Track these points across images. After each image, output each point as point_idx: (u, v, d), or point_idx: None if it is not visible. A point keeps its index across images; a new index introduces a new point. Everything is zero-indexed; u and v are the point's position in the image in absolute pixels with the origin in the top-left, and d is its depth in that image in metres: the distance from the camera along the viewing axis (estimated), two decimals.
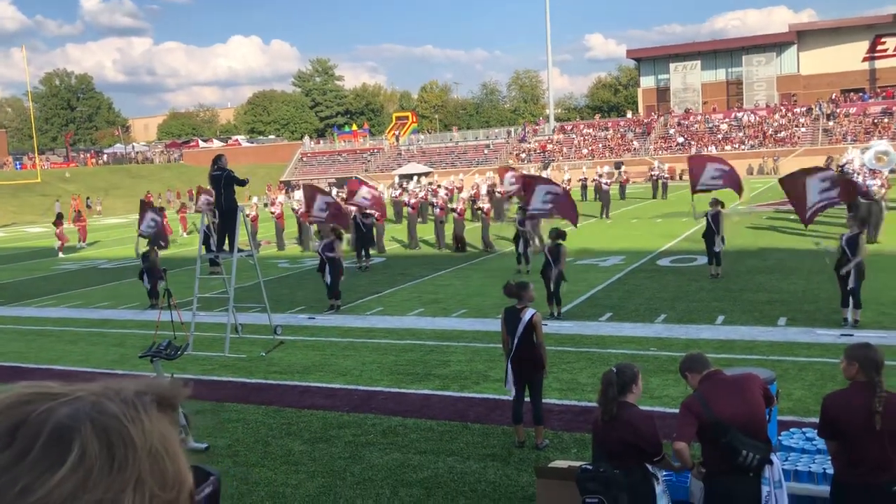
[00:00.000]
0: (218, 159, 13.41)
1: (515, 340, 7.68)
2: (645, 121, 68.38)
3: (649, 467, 4.63)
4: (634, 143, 64.62)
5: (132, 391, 0.90)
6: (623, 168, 49.19)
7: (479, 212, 24.55)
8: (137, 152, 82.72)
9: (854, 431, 4.41)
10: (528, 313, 7.72)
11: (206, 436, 8.71)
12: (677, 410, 8.34)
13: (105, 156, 78.85)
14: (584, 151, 64.76)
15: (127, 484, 0.83)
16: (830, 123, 59.58)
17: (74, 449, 0.83)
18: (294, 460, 7.87)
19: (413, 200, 27.68)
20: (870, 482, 4.39)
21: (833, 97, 64.38)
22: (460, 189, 34.98)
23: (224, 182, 13.05)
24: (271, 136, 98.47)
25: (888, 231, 21.24)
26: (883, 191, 22.65)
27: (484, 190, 29.08)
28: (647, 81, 78.45)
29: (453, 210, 24.86)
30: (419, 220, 27.15)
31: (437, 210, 24.99)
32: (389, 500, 6.81)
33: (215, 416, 9.43)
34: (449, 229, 24.63)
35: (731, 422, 4.52)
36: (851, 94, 66.42)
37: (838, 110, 61.15)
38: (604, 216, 31.37)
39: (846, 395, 4.55)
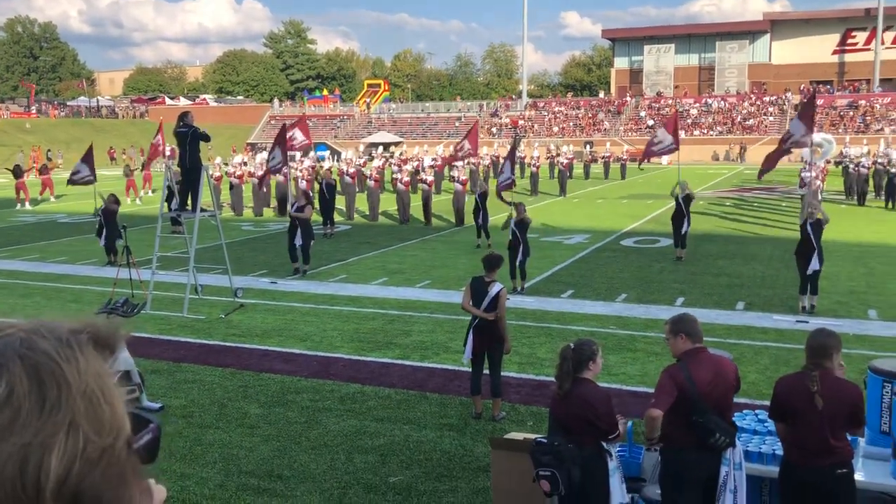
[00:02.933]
0: (184, 116, 13.14)
1: (480, 311, 7.70)
2: (616, 101, 68.57)
3: (603, 443, 4.66)
4: (605, 123, 64.82)
5: (66, 329, 0.84)
6: (591, 148, 49.44)
7: (422, 184, 24.43)
8: (102, 106, 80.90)
9: (799, 414, 4.51)
10: (496, 287, 7.74)
11: (160, 395, 8.61)
12: (635, 388, 8.52)
13: (68, 108, 76.98)
14: (555, 129, 64.81)
15: (59, 427, 0.78)
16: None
17: (1, 386, 0.78)
18: (249, 423, 7.81)
19: (370, 172, 27.29)
20: (815, 464, 4.49)
21: (802, 88, 65.13)
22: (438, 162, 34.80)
23: (189, 139, 12.80)
24: (240, 97, 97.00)
25: (845, 223, 21.64)
26: (818, 182, 23.16)
27: (427, 162, 28.98)
28: (621, 62, 78.55)
29: (423, 181, 24.71)
30: (380, 191, 26.85)
31: (402, 183, 24.72)
32: (344, 466, 6.80)
33: (171, 377, 9.33)
34: (417, 200, 24.51)
35: (707, 400, 4.56)
36: (820, 85, 67.26)
37: (806, 101, 61.83)
38: (561, 194, 31.51)
39: (796, 378, 4.64)
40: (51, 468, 0.77)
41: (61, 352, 0.82)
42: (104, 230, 16.98)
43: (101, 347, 0.87)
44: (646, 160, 16.55)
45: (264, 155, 33.27)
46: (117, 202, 17.60)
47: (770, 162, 15.38)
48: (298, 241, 15.32)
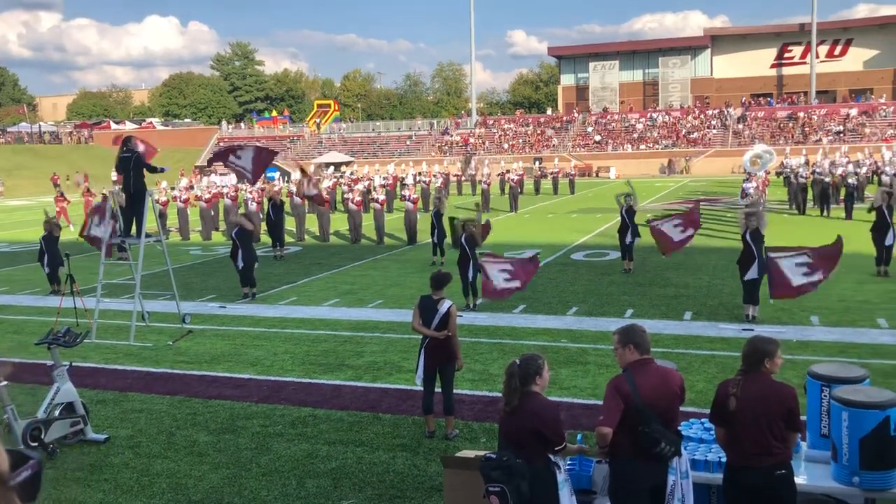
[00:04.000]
0: (127, 141, 12.92)
1: (431, 330, 7.70)
2: (565, 118, 69.50)
3: (552, 457, 4.68)
4: (554, 139, 65.60)
5: None
6: (540, 164, 49.98)
7: (374, 203, 24.44)
8: (45, 132, 79.14)
9: (734, 416, 4.61)
10: (445, 304, 7.75)
11: (106, 426, 8.41)
12: (585, 401, 8.59)
13: (8, 135, 75.13)
14: (505, 146, 65.38)
15: None
16: (740, 126, 61.84)
17: None
18: (198, 451, 7.67)
19: (315, 192, 27.15)
20: (754, 465, 4.58)
21: (743, 101, 66.87)
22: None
23: (133, 164, 12.58)
24: (187, 120, 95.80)
25: (787, 232, 22.19)
26: (759, 192, 23.84)
27: (378, 182, 29.05)
28: (567, 79, 79.73)
29: (374, 200, 24.68)
30: (331, 211, 26.75)
31: (353, 203, 24.65)
32: (296, 492, 6.71)
33: (117, 407, 9.12)
34: (368, 219, 24.48)
35: (652, 410, 4.61)
36: (760, 98, 69.17)
37: (748, 114, 63.55)
38: (513, 210, 31.82)
39: (732, 382, 4.76)
40: None
41: None
42: (45, 256, 16.55)
43: None
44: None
45: (213, 178, 32.95)
46: (59, 226, 17.19)
47: (669, 244, 15.53)
48: (239, 263, 15.12)
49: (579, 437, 6.70)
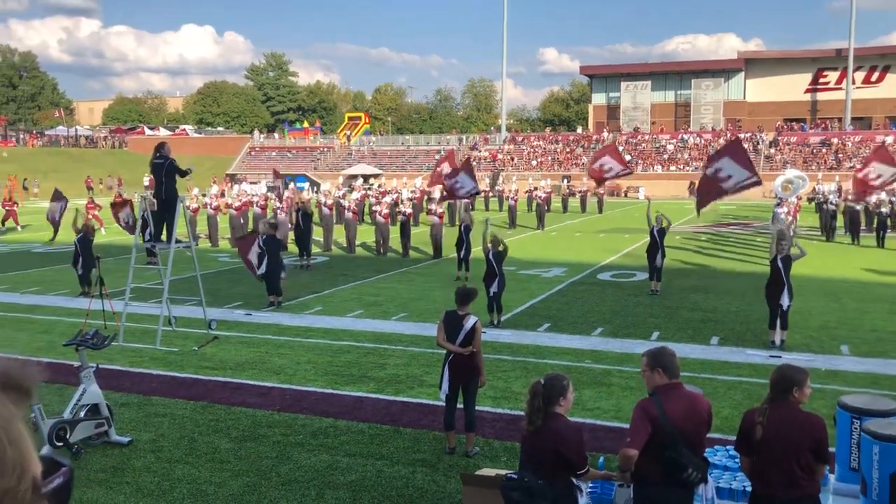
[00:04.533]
0: (161, 147, 13.10)
1: (456, 346, 7.67)
2: (594, 136, 69.35)
3: (574, 479, 4.63)
4: (583, 157, 65.43)
5: None
6: (568, 182, 49.88)
7: (401, 216, 24.48)
8: (81, 136, 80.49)
9: (760, 445, 4.53)
10: (471, 320, 7.72)
11: (129, 429, 8.47)
12: (608, 423, 8.50)
13: (45, 138, 76.50)
14: (534, 163, 65.33)
15: None
16: (772, 151, 61.27)
17: None
18: (220, 458, 7.70)
19: (348, 203, 27.26)
20: (780, 496, 4.49)
21: (778, 126, 66.28)
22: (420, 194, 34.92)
23: (166, 171, 12.74)
24: (220, 128, 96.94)
25: (816, 258, 21.89)
26: (790, 218, 23.56)
27: (405, 195, 29.10)
28: (599, 98, 79.56)
29: (400, 213, 24.74)
30: (358, 223, 26.89)
31: (381, 216, 24.73)
32: (314, 502, 6.70)
33: (141, 410, 9.19)
34: (395, 232, 24.55)
35: (680, 435, 4.55)
36: (793, 123, 68.50)
37: (780, 139, 62.97)
38: (539, 228, 31.73)
39: (760, 410, 4.68)
40: None
41: None
42: (80, 259, 16.80)
43: (10, 389, 0.86)
44: (600, 185, 16.64)
45: (243, 186, 33.28)
46: (93, 231, 17.45)
47: (705, 198, 15.62)
48: (262, 271, 15.14)
49: (601, 459, 6.64)
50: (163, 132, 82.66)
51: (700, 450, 4.75)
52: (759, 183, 14.65)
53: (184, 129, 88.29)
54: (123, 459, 7.68)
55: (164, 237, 13.19)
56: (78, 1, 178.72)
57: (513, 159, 66.72)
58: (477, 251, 19.65)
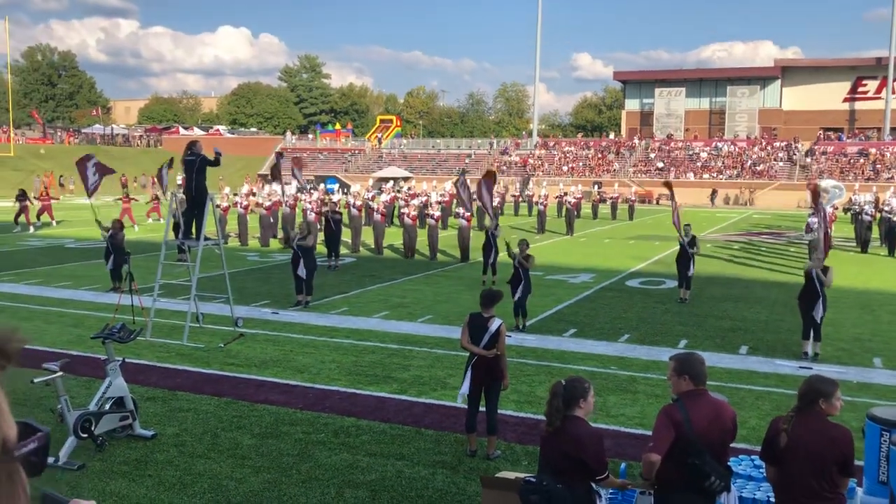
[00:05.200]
0: (192, 144, 13.23)
1: (480, 348, 7.64)
2: (627, 143, 68.90)
3: (593, 485, 4.57)
4: (615, 164, 65.04)
5: None
6: (599, 188, 49.58)
7: (429, 218, 24.48)
8: (117, 134, 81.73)
9: (784, 455, 4.43)
10: (495, 323, 7.68)
11: (154, 423, 8.54)
12: (632, 430, 8.41)
13: (82, 136, 77.79)
14: (565, 168, 65.06)
15: None
16: (808, 160, 60.40)
17: None
18: (241, 454, 7.73)
19: (377, 206, 27.29)
20: None
21: (820, 136, 65.29)
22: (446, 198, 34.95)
23: (197, 168, 12.85)
24: (253, 129, 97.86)
25: (851, 269, 21.51)
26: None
27: (434, 198, 29.08)
28: (632, 104, 79.05)
29: (429, 216, 24.77)
30: (386, 225, 26.98)
31: (409, 218, 24.77)
32: (334, 501, 6.70)
33: (166, 405, 9.27)
34: (423, 235, 24.58)
35: (703, 443, 4.47)
36: (830, 132, 67.47)
37: (817, 148, 62.07)
38: (568, 234, 31.56)
39: (786, 418, 4.58)
40: None
41: None
42: (112, 255, 17.04)
43: None
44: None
45: (274, 186, 33.54)
46: (122, 228, 17.68)
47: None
48: (301, 272, 15.33)
49: (623, 466, 6.56)
50: (197, 132, 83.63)
51: (724, 458, 4.66)
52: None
53: (217, 129, 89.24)
54: (146, 452, 7.75)
55: (193, 234, 13.31)
56: (116, 2, 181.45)
57: (543, 164, 66.51)
58: (504, 256, 19.60)
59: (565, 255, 24.82)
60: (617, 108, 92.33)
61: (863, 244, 26.97)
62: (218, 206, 17.85)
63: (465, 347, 7.86)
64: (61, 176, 57.29)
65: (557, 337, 13.14)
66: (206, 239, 13.21)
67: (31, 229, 30.53)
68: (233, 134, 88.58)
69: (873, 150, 59.65)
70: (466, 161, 69.15)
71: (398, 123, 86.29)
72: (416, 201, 27.34)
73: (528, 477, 4.72)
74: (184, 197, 13.34)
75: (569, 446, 4.51)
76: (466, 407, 7.93)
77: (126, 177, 60.79)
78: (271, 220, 27.68)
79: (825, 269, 11.87)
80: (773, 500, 4.83)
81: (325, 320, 14.28)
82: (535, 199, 38.36)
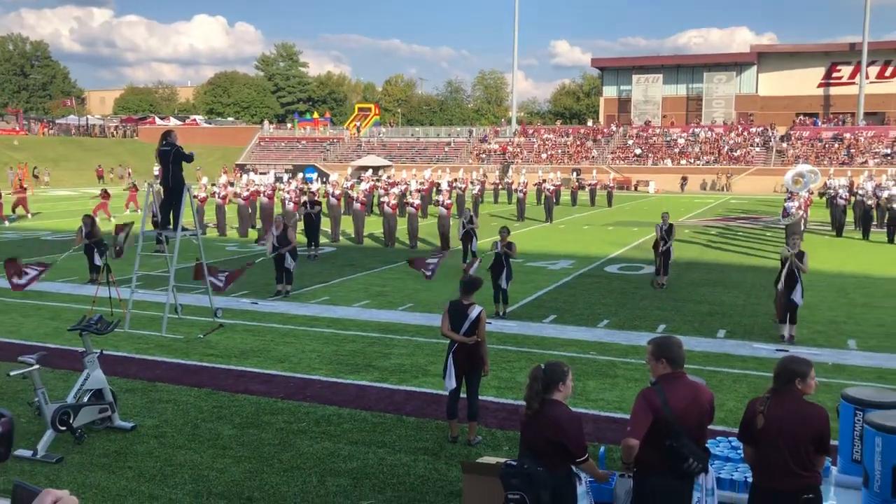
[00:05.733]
0: (167, 135, 13.10)
1: (460, 335, 7.66)
2: (605, 130, 69.11)
3: (573, 467, 4.61)
4: (593, 151, 65.24)
5: None
6: (578, 175, 49.73)
7: (409, 207, 24.46)
8: (92, 125, 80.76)
9: (761, 435, 4.50)
10: (475, 310, 7.71)
11: (133, 415, 8.50)
12: (612, 414, 8.48)
13: (57, 127, 76.80)
14: (544, 156, 65.17)
15: None
16: (784, 145, 60.92)
17: None
18: (222, 444, 7.71)
19: (357, 194, 27.16)
20: (781, 488, 4.46)
21: (795, 121, 65.82)
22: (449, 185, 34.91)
23: (172, 158, 12.74)
24: (230, 119, 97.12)
25: (826, 253, 21.77)
26: (800, 212, 23.43)
27: (413, 186, 29.04)
28: (610, 91, 79.24)
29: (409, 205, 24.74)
30: (366, 214, 26.90)
31: (389, 206, 24.73)
32: (316, 489, 6.71)
33: (145, 396, 9.22)
34: (403, 223, 24.55)
35: (681, 425, 4.52)
36: (805, 117, 68.06)
37: (792, 133, 62.61)
38: (547, 221, 31.66)
39: (762, 399, 4.65)
40: None
41: None
42: (96, 249, 16.87)
43: None
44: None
45: (252, 176, 33.33)
46: (93, 221, 17.51)
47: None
48: (289, 263, 15.25)
49: (602, 449, 6.62)
50: (173, 122, 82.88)
51: (701, 440, 4.72)
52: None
53: (194, 119, 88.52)
54: (126, 444, 7.71)
55: (170, 225, 13.20)
56: None
57: (522, 152, 66.57)
58: (483, 243, 19.66)
59: (545, 241, 24.90)
60: (595, 96, 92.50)
61: (838, 228, 27.30)
62: (195, 196, 17.71)
63: (445, 335, 7.88)
64: (35, 168, 56.58)
65: (538, 323, 13.20)
66: (184, 229, 13.11)
67: (6, 223, 30.13)
68: (210, 124, 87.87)
69: (848, 135, 60.28)
70: (445, 149, 69.07)
71: (377, 112, 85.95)
72: (395, 190, 27.24)
73: (508, 460, 4.76)
74: (160, 188, 13.23)
75: (549, 430, 4.55)
76: (447, 394, 7.96)
77: (102, 168, 60.21)
78: (249, 211, 27.52)
79: (801, 255, 12.01)
80: (750, 480, 4.90)
81: (306, 310, 14.25)
82: (514, 187, 38.42)
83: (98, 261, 16.80)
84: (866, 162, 55.12)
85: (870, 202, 26.50)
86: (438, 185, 33.68)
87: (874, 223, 26.95)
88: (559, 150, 66.09)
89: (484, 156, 66.74)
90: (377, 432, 8.07)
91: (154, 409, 8.78)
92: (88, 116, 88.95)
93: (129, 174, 54.48)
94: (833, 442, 4.77)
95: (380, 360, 10.85)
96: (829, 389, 8.99)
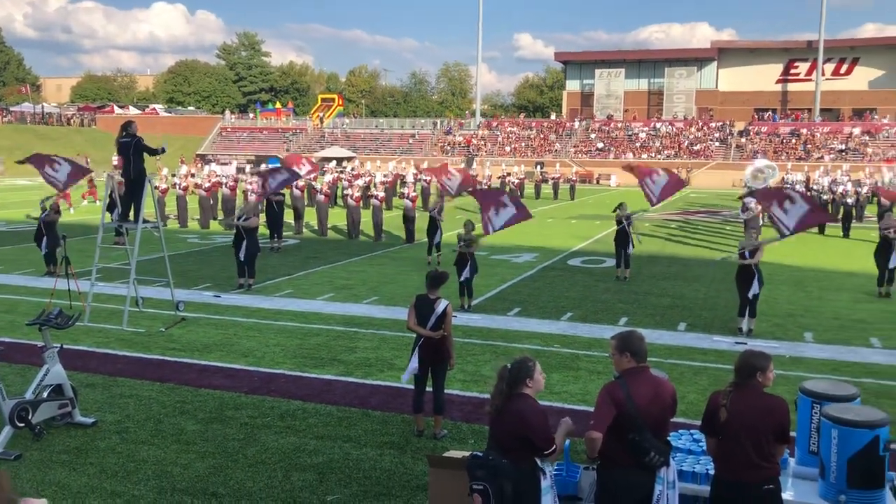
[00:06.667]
0: (128, 125, 12.89)
1: (426, 330, 7.68)
2: (568, 124, 69.53)
3: (538, 461, 4.66)
4: (556, 144, 65.62)
5: None
6: (541, 168, 50.00)
7: (373, 199, 24.41)
8: (49, 113, 78.97)
9: (724, 428, 4.60)
10: (442, 304, 7.73)
11: (94, 410, 8.38)
12: (576, 407, 8.57)
13: (11, 114, 74.95)
14: (507, 149, 65.38)
15: None
16: (743, 140, 61.88)
17: None
18: (186, 439, 7.64)
19: (321, 186, 27.00)
20: (742, 479, 4.57)
21: (753, 116, 66.85)
22: (390, 177, 34.76)
23: (133, 149, 12.55)
24: (191, 108, 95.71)
25: (783, 247, 22.19)
26: (759, 207, 23.89)
27: (378, 178, 28.99)
28: (573, 85, 79.73)
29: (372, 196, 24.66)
30: (330, 206, 26.74)
31: (352, 199, 24.63)
32: (281, 484, 6.68)
33: (106, 391, 9.09)
34: (367, 216, 24.47)
35: (644, 419, 4.59)
36: (764, 112, 69.24)
37: (751, 128, 63.63)
38: None
39: (725, 393, 4.75)
40: None
41: None
42: (45, 239, 16.56)
43: None
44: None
45: (213, 167, 32.92)
46: (58, 211, 17.18)
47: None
48: (242, 255, 15.15)
49: (567, 442, 6.69)
50: (132, 111, 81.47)
51: (664, 433, 4.80)
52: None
53: (154, 108, 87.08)
54: (87, 440, 7.60)
55: (131, 217, 13.01)
56: None
57: (486, 145, 66.71)
58: (448, 237, 19.70)
59: (508, 234, 24.94)
60: (558, 89, 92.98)
61: None
62: (157, 187, 17.37)
63: (411, 329, 7.90)
64: None
65: (502, 316, 13.28)
66: (145, 221, 12.93)
67: None
68: (170, 113, 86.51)
69: (804, 131, 61.46)
70: (410, 141, 68.91)
71: (340, 102, 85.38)
72: (359, 182, 27.14)
73: (475, 452, 4.80)
74: (121, 179, 13.02)
75: (514, 423, 4.60)
76: (413, 387, 7.99)
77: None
78: (211, 202, 27.20)
79: (755, 248, 12.24)
80: (711, 472, 5.00)
81: (269, 303, 14.15)
82: (479, 179, 38.51)
83: (45, 249, 16.53)
84: (822, 157, 56.26)
85: (826, 197, 27.07)
86: (403, 177, 33.63)
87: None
88: (522, 144, 66.37)
89: (448, 148, 66.73)
90: (343, 426, 8.06)
91: (115, 404, 8.67)
92: (44, 104, 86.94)
93: (87, 163, 53.38)
94: (791, 433, 4.89)
95: (345, 353, 10.82)
96: (787, 382, 9.19)
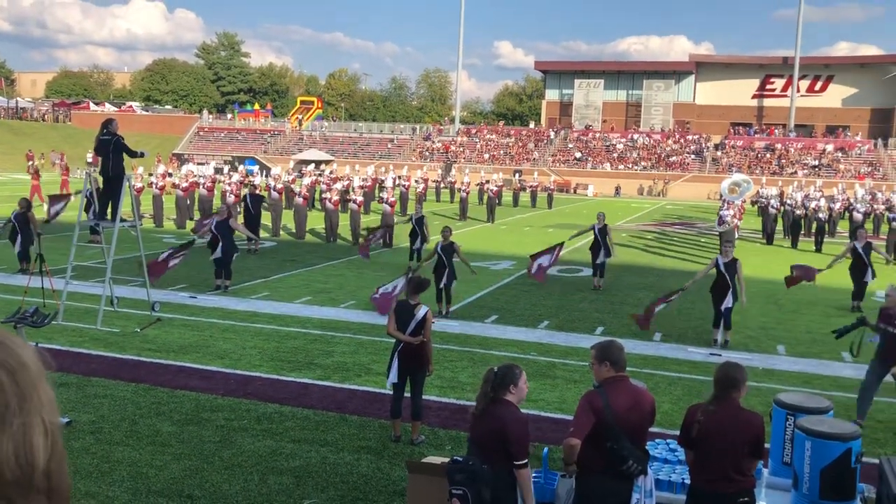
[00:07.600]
0: (108, 123, 12.79)
1: (406, 335, 7.70)
2: (546, 132, 69.90)
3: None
4: (535, 153, 65.93)
5: (14, 337, 1.12)
6: (520, 176, 50.19)
7: (351, 203, 24.38)
8: (22, 108, 77.93)
9: (701, 441, 4.68)
10: (422, 310, 7.76)
11: (68, 410, 8.28)
12: (552, 415, 8.63)
13: None
14: (486, 156, 65.56)
15: (34, 413, 1.06)
16: (719, 153, 62.59)
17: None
18: (161, 441, 7.59)
19: (299, 189, 26.88)
20: (718, 490, 4.64)
21: (730, 130, 67.64)
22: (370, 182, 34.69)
23: (113, 148, 12.45)
24: (168, 107, 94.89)
25: (756, 260, 22.47)
26: (735, 221, 24.22)
27: (357, 183, 28.97)
28: (552, 94, 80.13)
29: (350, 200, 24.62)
30: (308, 209, 26.65)
31: (331, 202, 24.56)
32: (258, 488, 6.67)
33: (80, 391, 9.00)
34: (345, 219, 24.42)
35: (623, 427, 4.65)
36: (740, 126, 70.09)
37: (727, 142, 64.39)
38: (489, 221, 31.93)
39: (703, 408, 4.82)
40: (39, 446, 1.00)
41: (23, 352, 1.09)
42: (19, 236, 16.35)
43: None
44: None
45: (190, 166, 32.68)
46: (30, 207, 16.96)
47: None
48: (217, 255, 15.05)
49: (545, 450, 6.74)
50: (109, 108, 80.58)
51: (642, 442, 4.87)
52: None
53: (130, 106, 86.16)
54: None
55: (108, 215, 12.90)
56: None
57: (465, 151, 66.85)
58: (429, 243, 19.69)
59: (487, 242, 25.09)
60: (537, 98, 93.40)
61: (768, 236, 28.20)
62: (133, 186, 17.13)
63: (391, 334, 7.92)
64: None
65: (480, 323, 13.32)
66: (122, 220, 12.82)
67: None
68: (147, 111, 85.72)
69: (779, 146, 62.29)
70: (388, 146, 68.85)
71: (319, 105, 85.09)
72: (337, 185, 27.07)
73: (455, 457, 4.83)
74: (98, 177, 12.91)
75: (493, 427, 4.64)
76: (391, 392, 8.00)
77: (32, 152, 58.16)
78: (188, 202, 27.00)
79: (734, 262, 12.37)
80: (687, 481, 5.07)
81: (246, 305, 14.08)
82: (457, 186, 38.59)
83: (18, 248, 16.33)
84: (796, 172, 57.04)
85: (799, 212, 27.45)
86: (382, 181, 33.60)
87: (802, 232, 27.92)
88: (501, 151, 66.58)
89: (427, 154, 66.78)
90: (320, 431, 8.05)
91: (90, 404, 8.59)
92: (18, 99, 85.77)
93: (63, 159, 52.76)
94: (765, 445, 4.98)
95: (322, 357, 10.80)
96: (760, 393, 9.32)
